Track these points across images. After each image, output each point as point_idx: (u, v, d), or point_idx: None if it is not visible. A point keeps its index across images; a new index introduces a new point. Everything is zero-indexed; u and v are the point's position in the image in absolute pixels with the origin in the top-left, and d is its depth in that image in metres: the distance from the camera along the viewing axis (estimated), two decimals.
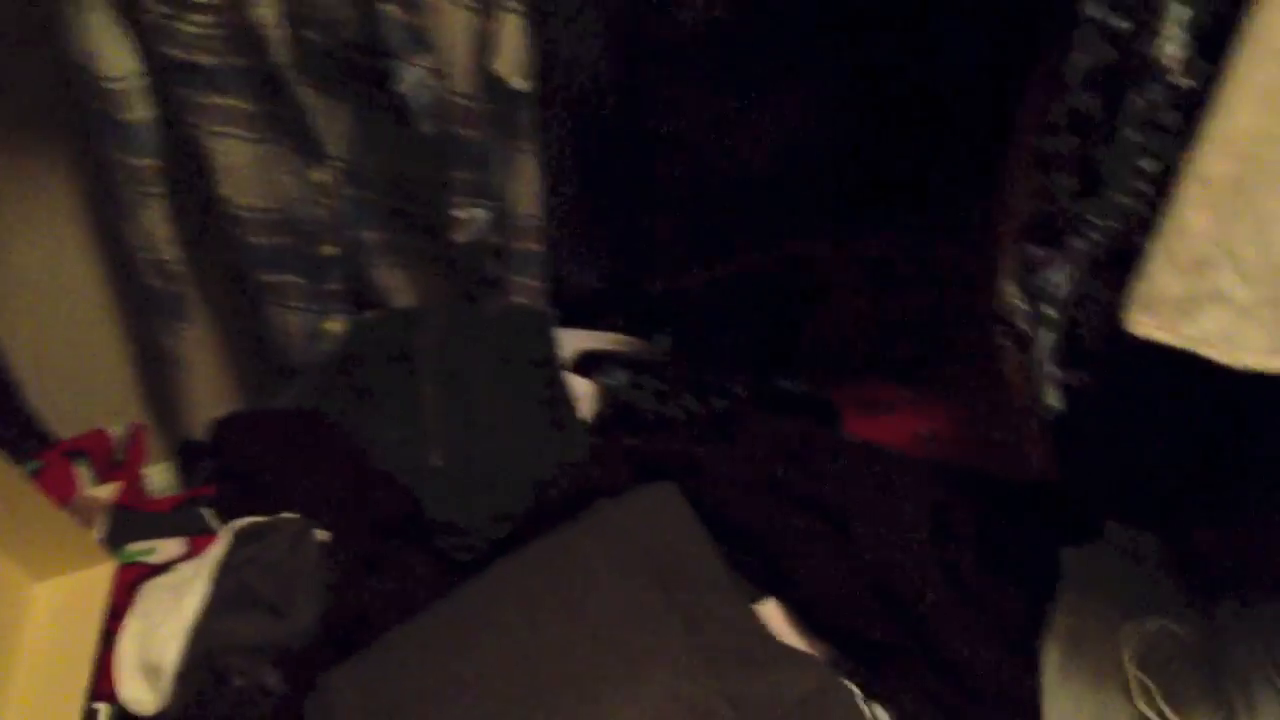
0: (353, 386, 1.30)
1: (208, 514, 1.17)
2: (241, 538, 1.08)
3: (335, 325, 1.38)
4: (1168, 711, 0.97)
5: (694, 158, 1.23)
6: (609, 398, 1.35)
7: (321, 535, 1.10)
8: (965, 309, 1.06)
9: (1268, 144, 0.71)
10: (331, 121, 1.26)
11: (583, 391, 1.35)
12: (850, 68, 1.20)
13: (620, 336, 1.43)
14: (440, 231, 1.32)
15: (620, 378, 1.37)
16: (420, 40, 1.18)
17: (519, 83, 1.20)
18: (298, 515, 1.11)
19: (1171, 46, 0.76)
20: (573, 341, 1.39)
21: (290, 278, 1.33)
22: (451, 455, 1.24)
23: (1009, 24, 1.01)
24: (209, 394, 1.44)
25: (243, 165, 1.24)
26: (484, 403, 1.28)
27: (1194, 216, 0.74)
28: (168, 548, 1.11)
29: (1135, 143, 0.80)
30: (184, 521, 1.15)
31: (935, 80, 1.17)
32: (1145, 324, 0.77)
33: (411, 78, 1.19)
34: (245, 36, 1.16)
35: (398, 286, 1.40)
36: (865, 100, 1.21)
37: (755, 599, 1.09)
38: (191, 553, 1.10)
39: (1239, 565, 1.00)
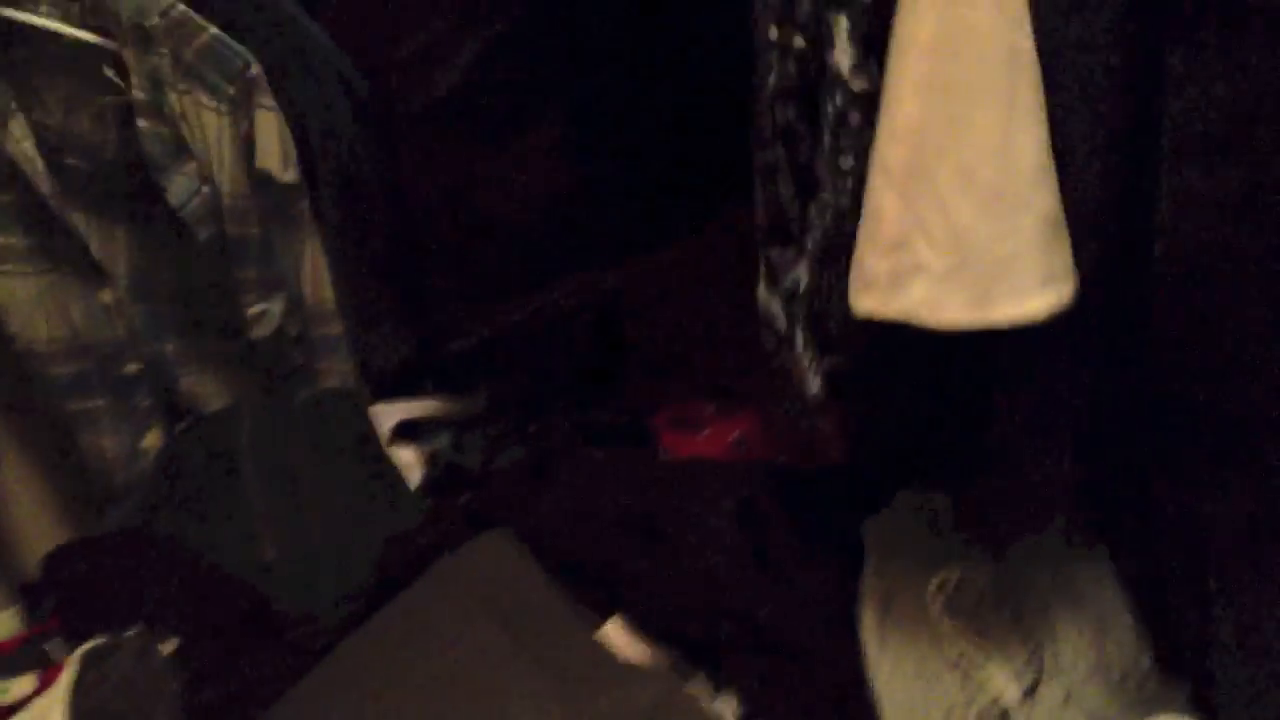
0: (179, 497, 1.31)
1: (53, 647, 1.18)
2: (88, 661, 1.09)
3: (152, 440, 1.39)
4: (979, 650, 1.04)
5: (463, 212, 1.29)
6: (434, 461, 1.39)
7: (168, 644, 1.12)
8: (742, 313, 1.13)
9: (930, 129, 0.79)
10: (110, 242, 1.29)
11: (407, 461, 1.38)
12: (596, 102, 1.26)
13: (434, 401, 1.47)
14: (238, 331, 1.35)
15: (442, 440, 1.41)
16: (180, 150, 1.22)
17: (285, 174, 1.25)
18: (141, 629, 1.13)
19: (843, 55, 0.84)
20: (389, 414, 1.43)
21: (98, 402, 1.34)
22: (285, 547, 1.26)
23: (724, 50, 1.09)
24: (38, 531, 1.43)
25: (27, 300, 1.25)
26: (310, 489, 1.31)
27: (885, 202, 0.82)
28: (18, 685, 1.13)
29: (833, 145, 0.88)
30: (30, 658, 1.16)
31: (676, 105, 1.25)
32: (866, 303, 0.84)
33: (179, 188, 1.22)
34: (7, 172, 1.18)
35: (207, 392, 1.42)
36: (618, 131, 1.28)
37: (598, 623, 1.14)
38: (42, 687, 1.11)
39: (1004, 509, 1.08)
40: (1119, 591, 1.05)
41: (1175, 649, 0.99)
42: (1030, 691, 1.02)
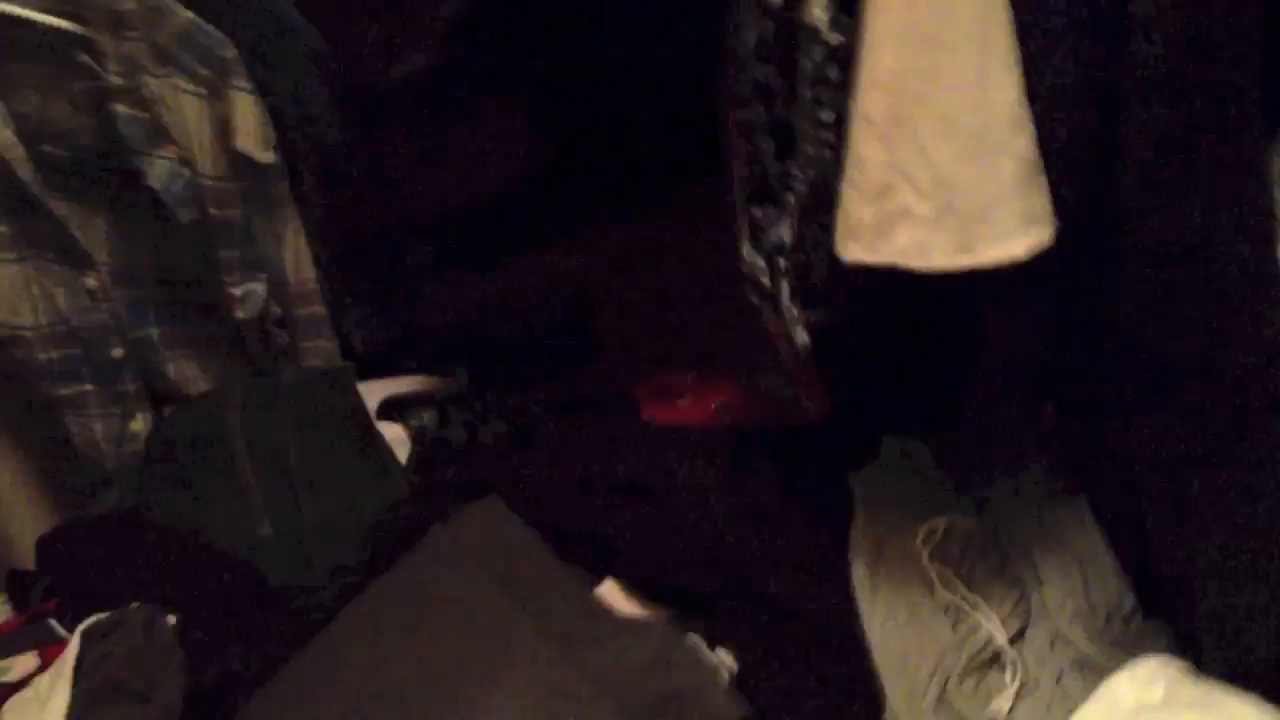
0: (170, 479, 1.32)
1: (54, 625, 1.18)
2: (91, 637, 1.10)
3: (140, 425, 1.40)
4: (968, 596, 1.06)
5: (437, 189, 1.30)
6: (420, 438, 1.40)
7: (171, 618, 1.13)
8: (717, 280, 1.15)
9: (910, 77, 0.81)
10: (91, 228, 1.29)
11: (394, 437, 1.40)
12: (557, 80, 1.28)
13: (419, 378, 1.48)
14: (222, 313, 1.36)
15: (427, 417, 1.42)
16: (159, 133, 1.22)
17: (264, 156, 1.25)
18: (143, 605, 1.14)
19: (818, 9, 0.86)
20: (373, 393, 1.44)
21: (85, 386, 1.35)
22: (279, 523, 1.28)
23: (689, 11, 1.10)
24: (29, 517, 1.44)
25: (11, 286, 1.26)
26: (302, 465, 1.32)
27: (868, 151, 0.84)
28: (20, 664, 1.14)
29: (811, 99, 0.90)
30: (32, 636, 1.17)
31: (642, 73, 1.26)
32: (853, 250, 0.86)
33: (159, 171, 1.23)
34: None
35: (192, 375, 1.43)
36: (582, 105, 1.29)
37: (593, 583, 1.16)
38: (45, 664, 1.12)
39: (986, 454, 1.10)
40: (1100, 534, 1.07)
41: (1158, 589, 1.02)
42: (1019, 635, 1.05)
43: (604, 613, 1.11)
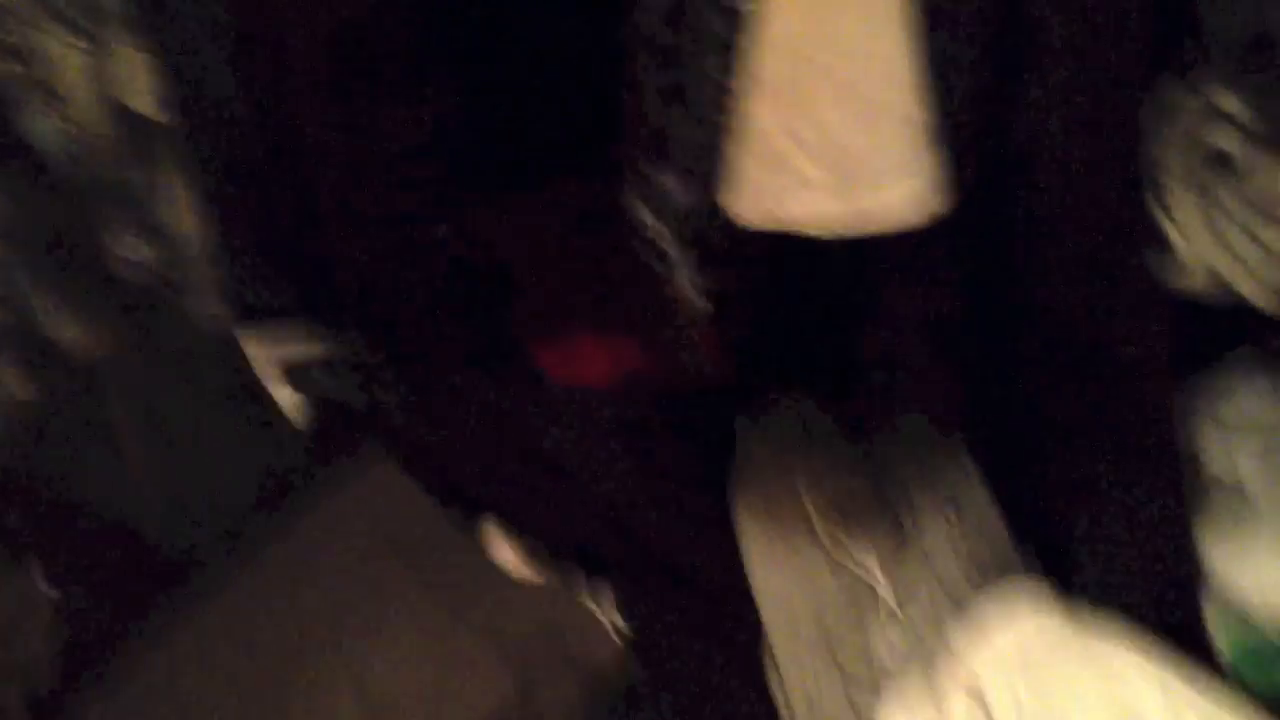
0: (52, 443, 1.29)
1: None
2: None
3: (22, 392, 1.36)
4: (847, 540, 1.09)
5: (337, 150, 1.28)
6: (318, 399, 1.38)
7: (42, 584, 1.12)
8: (620, 243, 1.15)
9: (802, 42, 0.82)
10: None
11: (287, 399, 1.38)
12: (473, 46, 1.27)
13: (317, 340, 1.46)
14: (111, 276, 1.33)
15: (325, 378, 1.41)
16: (44, 90, 1.19)
17: (154, 113, 1.22)
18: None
19: None
20: (270, 354, 1.42)
21: None
22: (161, 490, 1.26)
23: None
24: None
25: None
26: (188, 433, 1.30)
27: (763, 115, 0.85)
28: None
29: (711, 64, 0.91)
30: None
31: (554, 34, 1.25)
32: (748, 214, 0.88)
33: (41, 129, 1.20)
34: None
35: (76, 339, 1.39)
36: (496, 66, 1.29)
37: (486, 542, 1.17)
38: None
39: (872, 405, 1.13)
40: (980, 481, 1.11)
41: (1034, 534, 1.06)
42: (897, 577, 1.08)
43: (495, 575, 1.13)
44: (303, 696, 1.03)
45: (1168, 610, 1.00)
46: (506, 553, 1.16)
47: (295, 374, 1.41)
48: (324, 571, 1.10)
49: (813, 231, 0.85)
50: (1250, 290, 0.89)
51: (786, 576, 1.09)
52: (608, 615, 1.08)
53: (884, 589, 1.06)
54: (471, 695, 1.03)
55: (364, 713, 1.02)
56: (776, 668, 1.06)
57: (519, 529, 1.17)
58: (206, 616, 1.09)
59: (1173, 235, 0.89)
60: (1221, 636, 1.02)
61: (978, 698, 0.96)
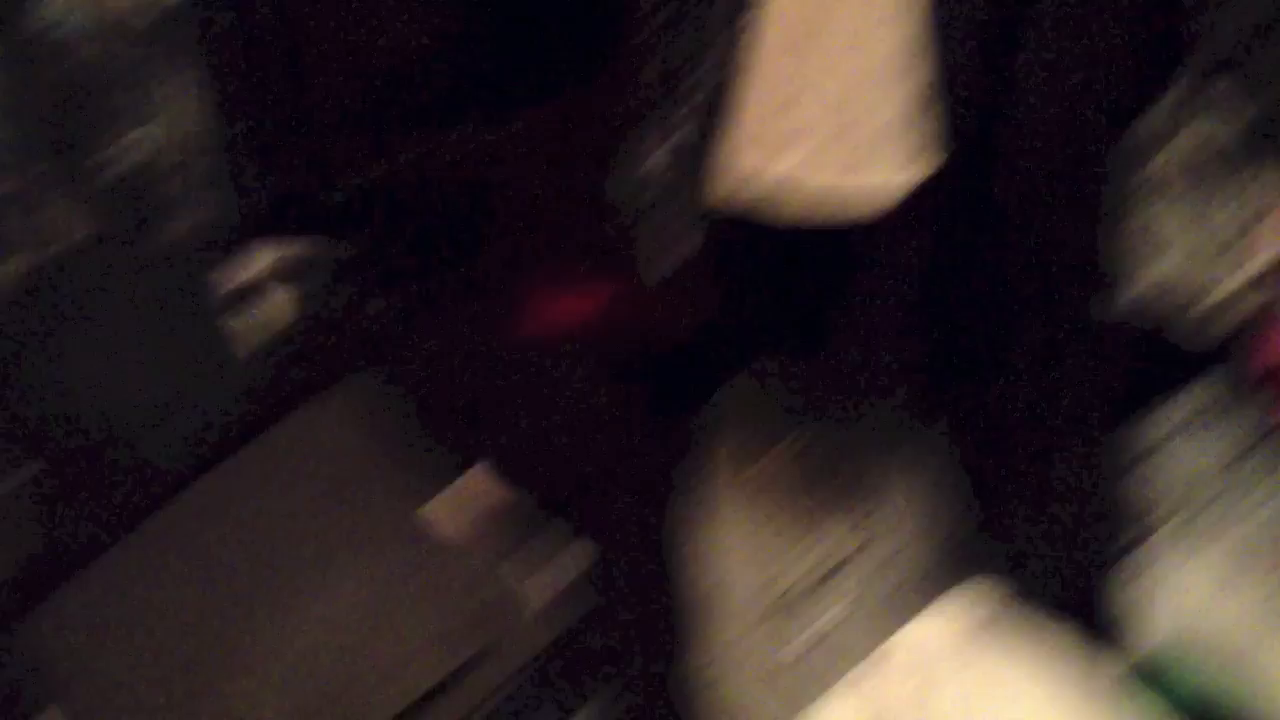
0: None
1: None
2: None
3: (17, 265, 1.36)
4: (808, 513, 1.11)
5: (345, 50, 1.28)
6: (303, 306, 1.39)
7: None
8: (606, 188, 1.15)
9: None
10: None
11: (276, 302, 1.39)
12: None
13: (307, 246, 1.47)
14: (110, 159, 1.32)
15: (311, 285, 1.41)
16: None
17: None
18: None
19: None
20: (259, 256, 1.42)
21: None
22: (143, 394, 1.26)
23: None
24: None
25: None
26: (139, 347, 1.30)
27: (777, 61, 0.85)
28: None
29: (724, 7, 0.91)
30: None
31: None
32: (748, 160, 0.88)
33: (54, 4, 1.19)
34: None
35: (72, 220, 1.39)
36: None
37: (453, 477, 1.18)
38: None
39: (848, 379, 1.14)
40: (948, 461, 1.12)
41: (1000, 512, 1.07)
42: (856, 552, 1.10)
43: (427, 535, 1.13)
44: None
45: (1098, 613, 1.01)
46: (478, 480, 1.17)
47: (286, 277, 1.42)
48: (256, 519, 1.11)
49: (806, 183, 0.85)
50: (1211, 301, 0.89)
51: (744, 543, 1.11)
52: (571, 551, 1.10)
53: (840, 562, 1.08)
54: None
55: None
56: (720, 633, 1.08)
57: (492, 454, 1.18)
58: (143, 546, 1.10)
59: (1150, 239, 0.89)
60: (1138, 641, 1.02)
61: (924, 684, 0.97)
